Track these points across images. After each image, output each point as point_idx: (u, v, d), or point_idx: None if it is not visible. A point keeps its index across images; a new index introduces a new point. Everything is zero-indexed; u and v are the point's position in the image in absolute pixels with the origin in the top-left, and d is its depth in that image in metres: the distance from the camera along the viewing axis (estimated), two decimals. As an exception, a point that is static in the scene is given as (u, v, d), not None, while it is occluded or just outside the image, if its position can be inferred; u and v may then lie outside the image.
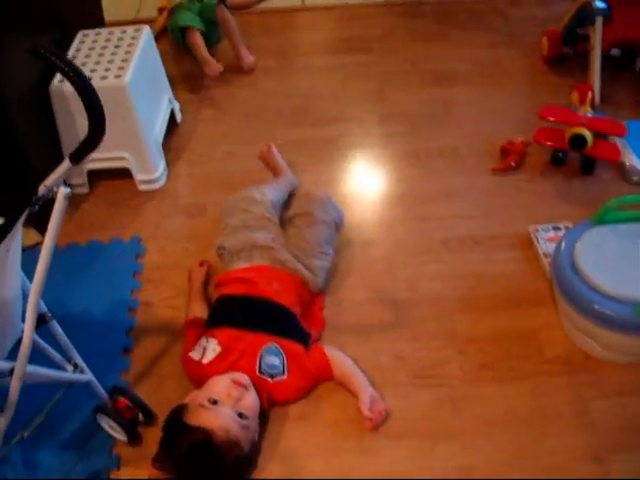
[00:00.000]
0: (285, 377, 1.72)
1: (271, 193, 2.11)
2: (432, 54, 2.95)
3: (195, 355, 1.76)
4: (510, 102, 2.67)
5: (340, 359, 1.79)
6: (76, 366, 1.58)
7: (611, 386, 1.76)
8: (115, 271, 2.11)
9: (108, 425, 1.67)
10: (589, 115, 2.32)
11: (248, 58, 2.90)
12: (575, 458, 1.62)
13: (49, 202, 1.24)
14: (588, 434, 1.66)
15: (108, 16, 2.85)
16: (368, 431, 1.67)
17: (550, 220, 2.14)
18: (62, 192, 1.21)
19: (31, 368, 1.38)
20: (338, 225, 2.10)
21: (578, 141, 2.23)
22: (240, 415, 1.57)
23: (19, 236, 1.29)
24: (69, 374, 1.55)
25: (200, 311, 1.92)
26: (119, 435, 1.67)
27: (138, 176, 2.36)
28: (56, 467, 1.64)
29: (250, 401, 1.62)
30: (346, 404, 1.73)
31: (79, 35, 2.43)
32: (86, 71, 2.22)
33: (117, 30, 2.44)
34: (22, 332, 1.34)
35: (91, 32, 2.44)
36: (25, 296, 1.35)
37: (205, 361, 1.72)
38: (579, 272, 1.78)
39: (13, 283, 1.30)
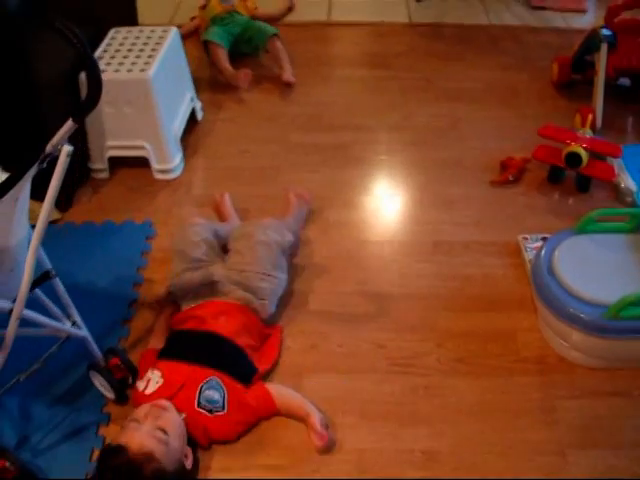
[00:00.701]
0: (224, 412, 1.71)
1: (207, 231, 2.08)
2: (447, 73, 3.07)
3: (140, 385, 1.76)
4: (517, 122, 2.76)
5: (283, 390, 1.80)
6: (74, 323, 1.70)
7: (580, 388, 1.83)
8: (124, 249, 2.24)
9: (99, 382, 1.79)
10: (587, 136, 2.41)
11: (290, 77, 3.00)
12: (537, 451, 1.69)
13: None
14: (552, 430, 1.74)
15: (142, 19, 3.03)
16: (320, 448, 1.69)
17: (541, 232, 2.21)
18: (65, 149, 1.35)
19: (29, 312, 1.50)
20: (284, 248, 2.05)
21: (573, 159, 2.32)
22: (158, 429, 1.58)
23: (27, 189, 1.42)
24: (65, 326, 1.66)
25: (160, 344, 1.91)
26: (108, 393, 1.78)
27: (155, 165, 2.51)
28: (47, 418, 1.77)
29: (170, 419, 1.62)
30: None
31: (111, 32, 2.60)
32: (114, 64, 2.41)
33: (147, 29, 2.61)
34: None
35: (123, 29, 2.61)
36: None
37: (147, 392, 1.73)
38: (556, 276, 1.88)
39: (19, 231, 1.42)
